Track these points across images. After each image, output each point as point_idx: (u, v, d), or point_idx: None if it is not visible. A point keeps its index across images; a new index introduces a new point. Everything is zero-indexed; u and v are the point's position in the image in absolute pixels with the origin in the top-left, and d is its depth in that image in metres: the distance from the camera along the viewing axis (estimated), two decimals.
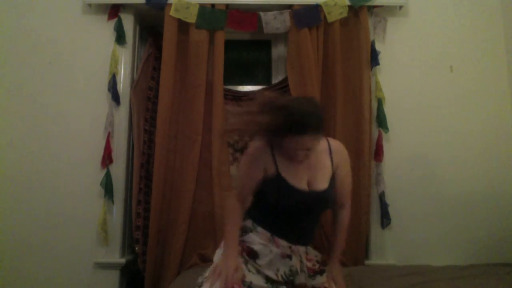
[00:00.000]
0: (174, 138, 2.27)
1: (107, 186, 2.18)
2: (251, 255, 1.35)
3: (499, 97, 2.38)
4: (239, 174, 1.59)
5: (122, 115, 2.29)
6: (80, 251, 2.18)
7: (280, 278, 1.34)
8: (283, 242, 1.37)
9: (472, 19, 2.43)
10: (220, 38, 2.26)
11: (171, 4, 2.23)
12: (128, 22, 2.35)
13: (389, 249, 2.24)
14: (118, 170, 2.25)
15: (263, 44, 2.73)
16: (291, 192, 1.34)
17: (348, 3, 2.28)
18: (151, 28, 2.49)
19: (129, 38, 2.34)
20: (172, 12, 2.22)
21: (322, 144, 1.43)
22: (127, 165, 2.30)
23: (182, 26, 2.27)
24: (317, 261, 1.45)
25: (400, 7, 2.37)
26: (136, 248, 2.20)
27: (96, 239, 2.19)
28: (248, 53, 2.76)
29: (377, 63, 2.30)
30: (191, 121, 2.23)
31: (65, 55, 2.32)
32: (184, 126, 2.26)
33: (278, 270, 1.35)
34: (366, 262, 2.21)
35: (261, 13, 2.27)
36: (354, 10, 2.30)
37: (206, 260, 2.09)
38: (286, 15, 2.27)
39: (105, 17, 2.33)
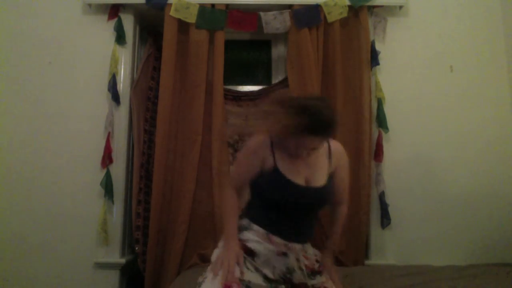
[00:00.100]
0: (174, 138, 2.27)
1: (107, 186, 2.18)
2: (248, 252, 1.34)
3: (499, 97, 2.38)
4: (237, 164, 1.62)
5: (122, 115, 2.29)
6: (80, 251, 2.18)
7: (276, 277, 1.34)
8: (278, 240, 1.35)
9: (472, 19, 2.43)
10: (220, 38, 2.26)
11: (171, 4, 2.23)
12: (128, 22, 2.35)
13: (389, 249, 2.24)
14: (118, 170, 2.25)
15: (263, 44, 2.73)
16: (288, 186, 1.34)
17: (348, 3, 2.28)
18: (151, 28, 2.49)
19: (129, 38, 2.34)
20: (172, 12, 2.22)
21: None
22: (127, 165, 2.30)
23: (182, 26, 2.27)
24: (317, 260, 1.45)
25: (400, 7, 2.37)
26: (136, 248, 2.20)
27: (96, 239, 2.19)
28: (248, 53, 2.76)
29: (377, 63, 2.30)
30: (191, 121, 2.23)
31: (65, 55, 2.32)
32: (184, 126, 2.27)
33: (274, 268, 1.34)
34: (366, 262, 2.21)
35: (261, 13, 2.27)
36: (354, 10, 2.30)
37: (206, 260, 2.09)
38: (286, 15, 2.27)
39: (105, 17, 2.33)
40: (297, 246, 1.38)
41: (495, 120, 2.35)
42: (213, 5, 2.28)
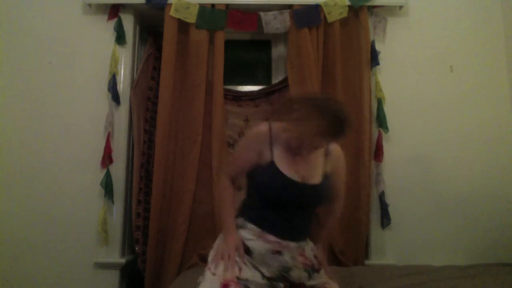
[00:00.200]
0: (174, 138, 2.27)
1: (107, 186, 2.18)
2: (244, 250, 1.34)
3: (499, 97, 2.38)
4: (234, 153, 1.61)
5: (122, 115, 2.29)
6: (80, 251, 2.18)
7: (273, 275, 1.33)
8: (272, 238, 1.34)
9: (472, 19, 2.43)
10: (220, 38, 2.26)
11: (171, 4, 2.23)
12: (128, 22, 2.35)
13: (389, 249, 2.24)
14: (118, 170, 2.25)
15: (263, 44, 2.73)
16: (283, 181, 1.33)
17: (348, 3, 2.28)
18: (151, 28, 2.49)
19: (129, 38, 2.34)
20: (172, 12, 2.22)
21: None
22: (127, 165, 2.30)
23: (182, 26, 2.27)
24: (315, 256, 1.44)
25: (400, 7, 2.37)
26: (136, 248, 2.20)
27: (96, 239, 2.19)
28: (248, 53, 2.76)
29: (377, 63, 2.30)
30: (191, 121, 2.23)
31: (65, 55, 2.32)
32: (184, 126, 2.27)
33: (269, 266, 1.34)
34: (366, 262, 2.21)
35: (261, 13, 2.27)
36: (354, 10, 2.30)
37: (206, 260, 2.07)
38: (286, 15, 2.27)
39: (105, 17, 2.33)
40: (292, 245, 1.36)
41: (495, 120, 2.35)
42: (213, 5, 2.28)
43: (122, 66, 2.32)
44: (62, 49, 2.32)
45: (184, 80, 2.29)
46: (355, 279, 1.81)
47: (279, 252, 1.34)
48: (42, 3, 2.35)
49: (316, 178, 1.38)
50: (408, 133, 2.32)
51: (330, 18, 2.27)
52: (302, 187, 1.35)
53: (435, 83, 2.37)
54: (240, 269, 1.29)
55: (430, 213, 2.27)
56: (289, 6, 2.29)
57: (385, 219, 2.22)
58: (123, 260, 2.19)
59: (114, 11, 2.33)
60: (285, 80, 2.40)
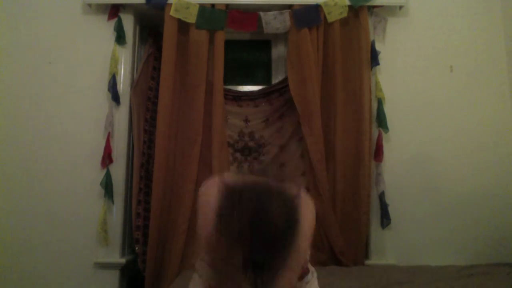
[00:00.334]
0: (174, 138, 2.27)
1: (107, 186, 2.18)
2: None
3: (499, 97, 2.38)
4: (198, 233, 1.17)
5: (122, 115, 2.29)
6: (80, 251, 2.18)
7: None
8: None
9: (472, 19, 2.43)
10: (220, 38, 2.25)
11: (171, 4, 2.22)
12: (128, 22, 2.35)
13: (389, 249, 2.24)
14: (118, 170, 2.25)
15: (263, 44, 2.73)
16: None
17: (348, 3, 2.28)
18: (151, 28, 2.49)
19: (129, 38, 2.34)
20: (172, 12, 2.22)
21: None
22: (127, 165, 2.30)
23: (182, 26, 2.27)
24: None
25: (400, 7, 2.37)
26: (136, 248, 2.20)
27: (96, 239, 2.19)
28: (248, 53, 2.76)
29: (377, 63, 2.30)
30: (191, 121, 2.23)
31: (65, 55, 2.32)
32: (184, 126, 2.26)
33: None
34: (366, 262, 2.21)
35: (261, 13, 2.27)
36: (354, 10, 2.30)
37: None
38: (286, 15, 2.27)
39: (105, 17, 2.33)
40: None
41: (495, 120, 2.35)
42: (213, 5, 2.28)
43: (122, 66, 2.32)
44: (62, 49, 2.32)
45: (184, 80, 2.29)
46: (355, 279, 1.82)
47: None
48: (42, 3, 2.35)
49: None
50: (408, 133, 2.32)
51: (330, 18, 2.27)
52: None
53: (435, 83, 2.37)
54: None
55: (430, 213, 2.27)
56: (289, 6, 2.29)
57: (385, 219, 2.22)
58: (123, 260, 2.19)
59: (114, 11, 2.33)
60: (285, 80, 2.40)
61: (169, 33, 2.23)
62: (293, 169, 2.35)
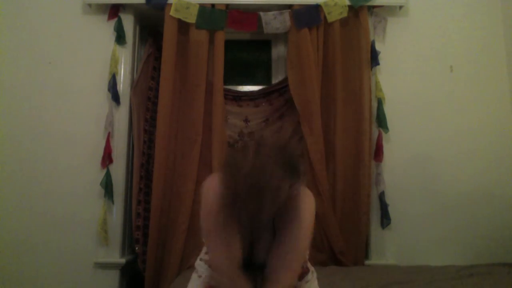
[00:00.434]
0: (174, 138, 2.27)
1: (107, 186, 2.18)
2: None
3: (499, 97, 2.38)
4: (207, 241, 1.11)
5: (122, 115, 2.29)
6: (80, 251, 2.18)
7: None
8: None
9: (472, 19, 2.43)
10: (220, 38, 2.25)
11: (171, 4, 2.23)
12: (128, 22, 2.35)
13: (389, 249, 2.24)
14: (118, 170, 2.25)
15: (263, 44, 2.73)
16: None
17: (348, 3, 2.28)
18: (151, 28, 2.49)
19: (129, 38, 2.34)
20: (172, 12, 2.22)
21: None
22: (127, 165, 2.30)
23: (182, 26, 2.27)
24: None
25: (400, 7, 2.37)
26: (136, 248, 2.20)
27: (96, 239, 2.19)
28: (248, 53, 2.76)
29: (377, 63, 2.30)
30: (191, 121, 2.23)
31: (65, 55, 2.32)
32: (184, 126, 2.26)
33: None
34: (366, 262, 2.21)
35: (261, 13, 2.27)
36: (354, 10, 2.30)
37: None
38: (286, 15, 2.27)
39: (105, 17, 2.33)
40: None
41: (495, 120, 2.35)
42: (213, 5, 2.28)
43: (122, 66, 2.32)
44: (62, 49, 2.32)
45: (184, 80, 2.29)
46: (355, 279, 1.82)
47: None
48: (42, 3, 2.35)
49: None
50: (408, 133, 2.32)
51: (330, 18, 2.27)
52: None
53: (435, 83, 2.37)
54: None
55: (430, 213, 2.27)
56: (289, 6, 2.29)
57: (385, 219, 2.22)
58: (123, 260, 2.19)
59: (114, 11, 2.33)
60: (285, 80, 2.40)
61: (169, 33, 2.23)
62: None
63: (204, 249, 1.24)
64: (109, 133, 2.23)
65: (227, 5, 2.30)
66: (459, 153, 2.31)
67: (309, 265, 1.25)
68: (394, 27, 2.39)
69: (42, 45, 2.32)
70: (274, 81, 2.63)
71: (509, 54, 2.39)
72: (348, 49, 2.31)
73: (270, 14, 2.27)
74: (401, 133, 2.30)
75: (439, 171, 2.30)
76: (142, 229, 2.23)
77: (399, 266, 2.14)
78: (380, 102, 2.28)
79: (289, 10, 2.28)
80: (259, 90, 2.50)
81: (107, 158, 2.21)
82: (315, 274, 1.29)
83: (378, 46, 2.33)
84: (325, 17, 2.26)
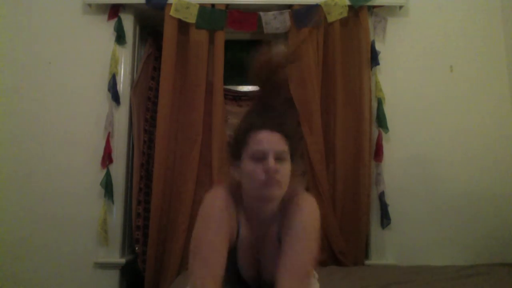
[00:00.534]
0: (174, 138, 2.27)
1: (107, 186, 2.18)
2: None
3: (499, 97, 2.38)
4: (193, 253, 1.00)
5: (122, 115, 2.29)
6: (80, 251, 2.18)
7: None
8: None
9: (472, 19, 2.43)
10: (220, 38, 2.26)
11: (171, 4, 2.23)
12: (128, 22, 2.35)
13: (389, 249, 2.24)
14: (118, 170, 2.25)
15: (263, 44, 2.72)
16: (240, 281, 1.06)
17: (348, 3, 2.28)
18: (151, 28, 2.49)
19: (129, 38, 2.34)
20: (172, 12, 2.22)
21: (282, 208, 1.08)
22: (127, 165, 2.30)
23: (182, 26, 2.27)
24: None
25: (400, 7, 2.37)
26: (136, 248, 2.20)
27: (96, 239, 2.19)
28: (248, 53, 2.75)
29: (377, 63, 2.30)
30: (191, 121, 2.23)
31: (65, 55, 2.32)
32: (184, 126, 2.26)
33: None
34: (366, 262, 2.21)
35: (261, 13, 2.27)
36: (354, 10, 2.30)
37: None
38: (286, 15, 2.27)
39: (105, 17, 2.33)
40: None
41: (495, 120, 2.35)
42: (213, 5, 2.28)
43: (122, 66, 2.32)
44: (62, 49, 2.32)
45: (184, 80, 2.29)
46: (355, 279, 1.82)
47: None
48: (42, 3, 2.35)
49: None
50: (408, 133, 2.32)
51: (330, 18, 2.27)
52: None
53: (435, 83, 2.36)
54: None
55: (430, 213, 2.27)
56: (289, 6, 2.29)
57: (385, 219, 2.22)
58: (123, 260, 2.19)
59: (114, 11, 2.33)
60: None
61: (169, 33, 2.23)
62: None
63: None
64: (109, 133, 2.23)
65: (227, 5, 2.30)
66: (459, 153, 2.31)
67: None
68: (394, 27, 2.38)
69: (42, 45, 2.32)
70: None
71: (509, 54, 2.39)
72: (348, 49, 2.31)
73: (270, 14, 2.27)
74: (401, 133, 2.30)
75: (439, 171, 2.30)
76: (142, 229, 2.23)
77: (399, 266, 2.14)
78: (380, 102, 2.28)
79: (289, 10, 2.28)
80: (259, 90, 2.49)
81: (107, 158, 2.21)
82: (317, 276, 1.29)
83: (378, 46, 2.33)
84: (325, 17, 2.26)
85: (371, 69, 2.30)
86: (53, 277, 2.16)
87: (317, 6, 2.26)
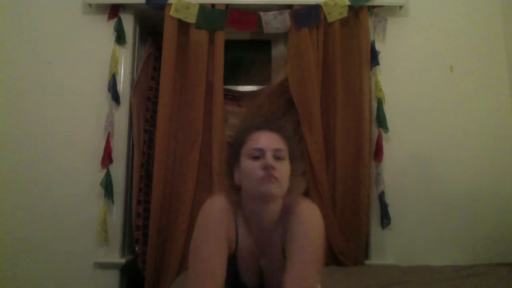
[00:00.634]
0: (174, 138, 2.27)
1: (107, 186, 2.18)
2: None
3: (499, 97, 2.38)
4: (192, 262, 1.01)
5: (122, 115, 2.29)
6: (80, 251, 2.18)
7: None
8: None
9: (472, 19, 2.43)
10: (220, 38, 2.26)
11: (171, 4, 2.23)
12: (128, 22, 2.35)
13: (389, 249, 2.24)
14: (118, 170, 2.25)
15: (263, 44, 2.72)
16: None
17: (348, 3, 2.28)
18: (151, 28, 2.49)
19: (129, 38, 2.34)
20: (172, 12, 2.22)
21: (285, 215, 1.07)
22: (127, 165, 2.30)
23: (182, 26, 2.27)
24: None
25: (400, 7, 2.37)
26: (136, 248, 2.20)
27: (96, 239, 2.19)
28: (248, 53, 2.76)
29: (377, 63, 2.30)
30: (191, 121, 2.23)
31: (65, 55, 2.32)
32: (184, 126, 2.27)
33: None
34: (366, 262, 2.21)
35: (261, 13, 2.27)
36: (354, 10, 2.30)
37: None
38: (286, 15, 2.27)
39: (105, 17, 2.33)
40: None
41: (495, 120, 2.35)
42: (213, 5, 2.28)
43: (122, 66, 2.32)
44: (62, 49, 2.32)
45: (184, 80, 2.29)
46: (355, 279, 1.82)
47: None
48: (42, 3, 2.35)
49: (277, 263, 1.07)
50: (408, 133, 2.32)
51: (330, 18, 2.27)
52: None
53: (435, 83, 2.36)
54: None
55: (430, 213, 2.27)
56: (289, 6, 2.29)
57: (385, 219, 2.22)
58: (123, 260, 2.19)
59: (114, 11, 2.33)
60: (285, 80, 2.39)
61: (169, 33, 2.23)
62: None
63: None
64: (109, 133, 2.23)
65: (227, 5, 2.30)
66: (459, 153, 2.31)
67: None
68: (394, 27, 2.38)
69: (42, 45, 2.32)
70: (274, 81, 2.63)
71: (509, 54, 2.39)
72: (348, 49, 2.31)
73: (270, 14, 2.27)
74: (401, 133, 2.30)
75: (439, 171, 2.30)
76: (142, 229, 2.23)
77: (399, 266, 2.14)
78: (380, 102, 2.28)
79: (289, 10, 2.28)
80: (259, 90, 2.50)
81: (107, 158, 2.21)
82: (319, 286, 1.29)
83: (378, 46, 2.33)
84: (325, 17, 2.26)
85: (371, 69, 2.30)
86: (53, 277, 2.16)
87: (317, 6, 2.26)
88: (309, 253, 1.00)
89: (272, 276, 1.07)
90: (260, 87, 2.56)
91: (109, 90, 2.25)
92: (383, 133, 2.27)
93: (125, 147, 2.28)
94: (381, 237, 2.25)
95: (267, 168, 0.99)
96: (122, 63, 2.32)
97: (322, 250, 1.02)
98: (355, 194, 2.20)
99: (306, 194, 2.21)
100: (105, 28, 2.32)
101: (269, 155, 1.01)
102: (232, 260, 1.05)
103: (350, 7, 2.29)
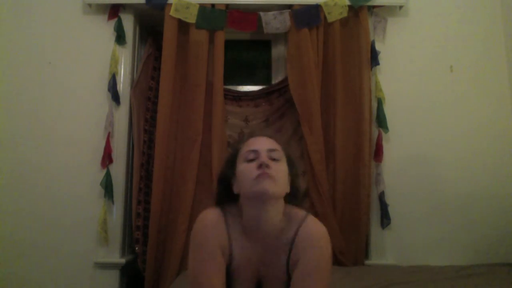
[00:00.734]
0: (174, 138, 2.27)
1: (107, 186, 2.18)
2: None
3: (499, 97, 2.38)
4: (191, 276, 1.03)
5: (122, 115, 2.29)
6: (80, 251, 2.18)
7: None
8: None
9: (472, 19, 2.43)
10: (220, 38, 2.26)
11: (171, 4, 2.23)
12: (128, 22, 2.35)
13: (389, 249, 2.24)
14: (118, 170, 2.25)
15: (263, 44, 2.73)
16: None
17: (348, 3, 2.28)
18: (151, 28, 2.49)
19: (129, 38, 2.34)
20: (172, 12, 2.22)
21: (290, 226, 1.06)
22: (127, 165, 2.30)
23: (182, 26, 2.27)
24: None
25: (400, 7, 2.37)
26: (136, 248, 2.20)
27: (96, 239, 2.19)
28: (248, 53, 2.76)
29: (377, 63, 2.30)
30: (191, 121, 2.23)
31: (65, 55, 2.32)
32: (184, 126, 2.27)
33: None
34: (366, 262, 2.21)
35: (261, 13, 2.27)
36: (354, 10, 2.30)
37: None
38: (286, 15, 2.27)
39: (105, 17, 2.33)
40: None
41: (495, 120, 2.35)
42: (213, 5, 2.28)
43: (122, 66, 2.32)
44: (62, 49, 2.32)
45: (184, 80, 2.29)
46: (355, 279, 1.82)
47: None
48: (42, 3, 2.35)
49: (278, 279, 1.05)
50: (408, 133, 2.32)
51: (330, 18, 2.27)
52: None
53: (435, 83, 2.36)
54: None
55: (430, 213, 2.27)
56: (289, 6, 2.29)
57: (385, 219, 2.22)
58: (123, 260, 2.19)
59: (114, 11, 2.33)
60: (285, 80, 2.40)
61: (169, 33, 2.23)
62: None
63: None
64: (109, 133, 2.23)
65: (227, 5, 2.30)
66: (459, 153, 2.31)
67: None
68: (394, 27, 2.38)
69: (42, 45, 2.32)
70: (274, 81, 2.63)
71: (509, 54, 2.39)
72: (348, 49, 2.31)
73: (270, 14, 2.27)
74: (401, 133, 2.30)
75: (439, 171, 2.30)
76: (142, 229, 2.23)
77: (399, 266, 2.14)
78: (380, 102, 2.28)
79: (289, 10, 2.28)
80: (259, 90, 2.50)
81: (107, 158, 2.21)
82: None
83: (378, 46, 2.33)
84: (325, 17, 2.26)
85: (371, 69, 2.30)
86: (53, 277, 2.16)
87: (317, 6, 2.26)
88: (317, 281, 0.98)
89: (272, 287, 1.06)
90: (260, 87, 2.56)
91: (109, 90, 2.25)
92: (383, 133, 2.27)
93: (125, 147, 2.28)
94: (381, 237, 2.25)
95: (261, 166, 1.00)
96: (122, 63, 2.32)
97: (330, 277, 1.01)
98: (355, 194, 2.20)
99: (306, 194, 2.21)
100: (105, 28, 2.32)
101: (263, 155, 1.03)
102: (226, 272, 1.04)
103: (350, 7, 2.29)
